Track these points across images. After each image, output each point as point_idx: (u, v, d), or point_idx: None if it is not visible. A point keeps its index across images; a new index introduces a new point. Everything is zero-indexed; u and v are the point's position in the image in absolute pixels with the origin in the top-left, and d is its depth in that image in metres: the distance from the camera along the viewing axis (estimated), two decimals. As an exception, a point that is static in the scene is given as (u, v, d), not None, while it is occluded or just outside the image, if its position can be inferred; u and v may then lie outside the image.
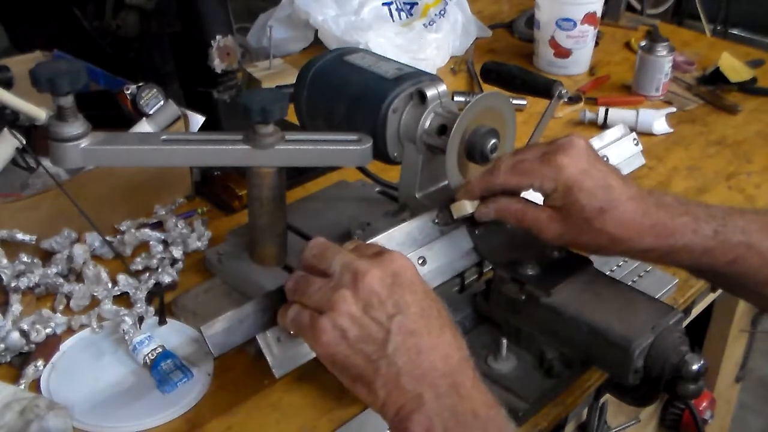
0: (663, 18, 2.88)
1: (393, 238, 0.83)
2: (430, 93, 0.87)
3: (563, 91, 1.02)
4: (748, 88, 1.54)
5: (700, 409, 1.38)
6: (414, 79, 0.89)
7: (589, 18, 1.57)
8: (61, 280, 0.96)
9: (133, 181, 1.07)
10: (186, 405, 0.82)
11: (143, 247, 1.03)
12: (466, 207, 0.83)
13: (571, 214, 0.76)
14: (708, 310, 1.43)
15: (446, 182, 0.90)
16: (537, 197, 0.80)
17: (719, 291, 1.14)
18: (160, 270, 0.98)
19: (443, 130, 0.87)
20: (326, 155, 0.86)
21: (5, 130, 1.03)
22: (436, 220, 0.86)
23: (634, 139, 1.20)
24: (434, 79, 0.90)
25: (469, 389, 0.62)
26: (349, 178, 1.13)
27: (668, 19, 2.97)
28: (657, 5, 3.02)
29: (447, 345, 0.64)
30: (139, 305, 0.92)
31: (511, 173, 0.78)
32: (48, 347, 0.88)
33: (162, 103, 1.11)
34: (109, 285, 0.96)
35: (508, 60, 1.56)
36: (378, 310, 0.63)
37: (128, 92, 1.12)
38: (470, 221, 0.86)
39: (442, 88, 0.89)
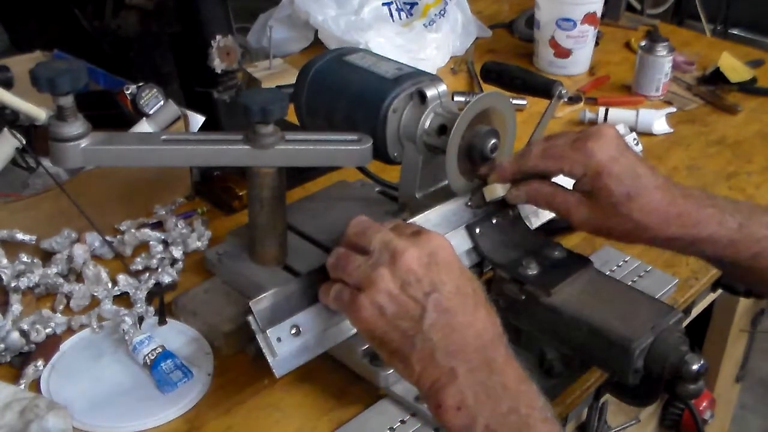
0: (663, 18, 2.88)
1: (429, 219, 0.84)
2: (430, 93, 0.87)
3: (563, 91, 1.02)
4: (748, 88, 1.54)
5: (700, 409, 1.38)
6: (414, 79, 0.89)
7: (589, 18, 1.57)
8: (61, 280, 0.95)
9: (133, 181, 1.07)
10: (186, 405, 0.82)
11: (143, 247, 1.03)
12: (498, 190, 0.85)
13: (599, 199, 0.79)
14: (708, 310, 1.43)
15: (446, 182, 0.90)
16: (567, 184, 0.82)
17: (719, 291, 1.14)
18: (160, 270, 0.98)
19: (443, 130, 0.87)
20: (326, 155, 0.86)
21: (5, 130, 1.03)
22: (469, 203, 0.88)
23: (634, 139, 1.20)
24: (434, 79, 0.90)
25: (501, 364, 0.64)
26: (349, 178, 1.12)
27: (668, 19, 2.96)
28: (657, 5, 3.02)
29: (481, 322, 0.66)
30: (139, 305, 0.92)
31: (542, 157, 0.81)
32: (48, 347, 0.88)
33: (162, 103, 1.11)
34: (109, 285, 0.96)
35: (508, 60, 1.56)
36: (414, 287, 0.65)
37: (128, 92, 1.12)
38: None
39: (442, 88, 0.89)
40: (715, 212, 0.78)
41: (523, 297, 0.81)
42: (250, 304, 0.74)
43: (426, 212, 0.85)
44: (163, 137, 0.85)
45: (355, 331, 0.80)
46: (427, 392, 0.65)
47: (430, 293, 0.65)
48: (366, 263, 0.68)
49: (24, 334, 0.88)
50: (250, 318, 0.74)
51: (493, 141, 0.86)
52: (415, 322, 0.65)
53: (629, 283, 0.94)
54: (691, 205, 0.78)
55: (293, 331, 0.75)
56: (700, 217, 0.78)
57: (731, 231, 0.78)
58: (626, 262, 1.01)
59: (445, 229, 0.84)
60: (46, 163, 0.93)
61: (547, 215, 0.95)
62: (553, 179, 0.83)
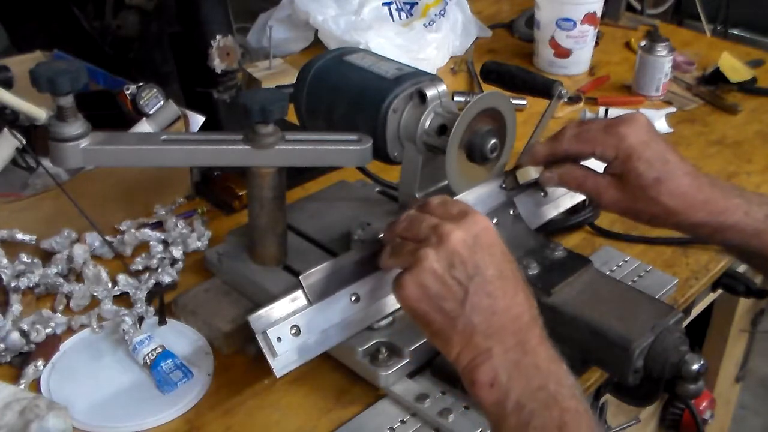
0: (663, 18, 2.88)
1: (466, 201, 0.85)
2: (430, 93, 0.87)
3: (563, 91, 1.02)
4: (748, 88, 1.53)
5: (700, 409, 1.38)
6: (414, 79, 0.89)
7: (589, 18, 1.57)
8: (61, 280, 0.95)
9: (133, 181, 1.07)
10: (186, 405, 0.82)
11: (143, 247, 1.03)
12: (531, 173, 0.88)
13: (628, 182, 0.81)
14: (708, 310, 1.43)
15: (446, 182, 0.90)
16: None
17: (719, 291, 1.14)
18: (160, 270, 0.98)
19: (443, 130, 0.87)
20: (326, 155, 0.86)
21: (5, 130, 1.03)
22: (503, 185, 0.90)
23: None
24: (434, 79, 0.90)
25: (535, 346, 0.67)
26: (349, 178, 1.12)
27: (668, 19, 2.96)
28: (657, 5, 3.02)
29: (519, 306, 0.68)
30: (139, 305, 0.92)
31: (575, 140, 0.84)
32: (48, 347, 0.88)
33: (162, 103, 1.11)
34: (109, 285, 0.96)
35: (508, 60, 1.56)
36: (459, 270, 0.67)
37: (128, 92, 1.12)
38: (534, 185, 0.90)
39: (442, 88, 0.89)
40: (741, 202, 0.81)
41: (523, 297, 0.81)
42: (300, 278, 0.76)
43: (462, 194, 0.87)
44: (163, 137, 0.85)
45: (355, 331, 0.80)
46: (463, 370, 0.68)
47: (474, 276, 0.67)
48: (415, 245, 0.71)
49: (24, 334, 0.88)
50: (254, 323, 0.74)
51: (493, 141, 0.86)
52: (458, 304, 0.67)
53: (629, 283, 0.94)
54: (718, 193, 0.81)
55: (293, 331, 0.76)
56: (727, 205, 0.80)
57: (757, 221, 0.80)
58: (626, 262, 1.00)
59: (479, 210, 0.86)
60: (46, 163, 0.93)
61: (547, 215, 0.95)
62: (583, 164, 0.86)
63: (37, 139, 1.06)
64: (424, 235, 0.70)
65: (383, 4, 1.61)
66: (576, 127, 0.85)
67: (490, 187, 0.90)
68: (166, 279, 0.97)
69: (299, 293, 0.77)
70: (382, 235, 0.78)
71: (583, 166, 0.86)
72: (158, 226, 1.08)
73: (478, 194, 0.88)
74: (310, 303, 0.76)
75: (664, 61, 1.48)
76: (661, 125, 1.40)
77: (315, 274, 0.77)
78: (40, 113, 1.03)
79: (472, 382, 0.67)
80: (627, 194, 0.82)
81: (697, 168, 0.83)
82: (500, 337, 0.67)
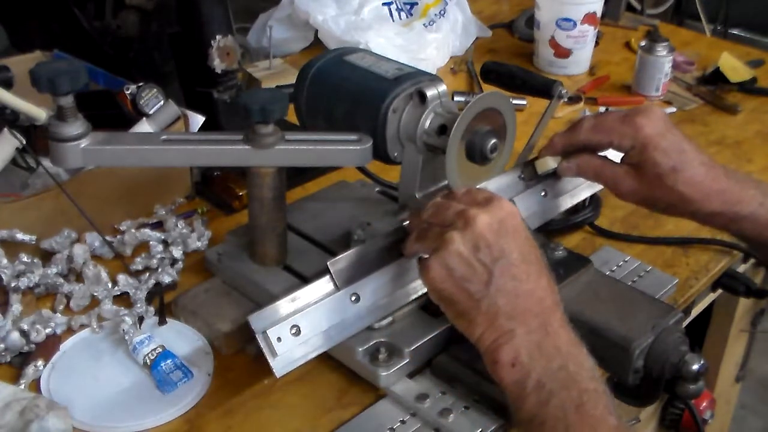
0: (663, 18, 2.88)
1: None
2: (430, 93, 0.87)
3: (563, 91, 1.02)
4: (748, 88, 1.53)
5: (700, 409, 1.38)
6: (414, 79, 0.89)
7: (589, 18, 1.57)
8: (61, 280, 0.95)
9: (133, 181, 1.07)
10: (186, 405, 0.82)
11: (143, 247, 1.03)
12: (549, 163, 0.90)
13: (645, 171, 0.83)
14: (708, 310, 1.43)
15: (446, 182, 0.90)
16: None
17: (719, 291, 1.14)
18: (160, 270, 0.98)
19: (443, 130, 0.87)
20: (326, 155, 0.86)
21: (5, 130, 1.03)
22: (522, 176, 0.91)
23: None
24: (434, 79, 0.90)
25: (556, 328, 0.69)
26: (349, 178, 1.12)
27: (668, 19, 2.96)
28: (657, 5, 3.02)
29: (542, 290, 0.70)
30: (139, 305, 0.92)
31: (592, 131, 0.86)
32: (48, 347, 0.88)
33: (162, 103, 1.11)
34: (109, 285, 0.96)
35: (508, 60, 1.55)
36: (484, 252, 0.69)
37: (128, 92, 1.12)
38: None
39: (442, 88, 0.89)
40: (757, 193, 0.83)
41: (523, 297, 0.81)
42: (327, 264, 0.77)
43: (482, 183, 0.88)
44: (163, 137, 0.85)
45: (355, 331, 0.80)
46: (486, 350, 0.69)
47: (498, 259, 0.69)
48: (441, 230, 0.72)
49: (24, 334, 0.88)
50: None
51: (493, 141, 0.86)
52: (483, 285, 0.69)
53: (629, 283, 0.94)
54: (734, 184, 0.83)
55: (293, 331, 0.76)
56: (742, 195, 0.82)
57: None
58: (626, 262, 1.00)
59: None
60: (46, 163, 0.93)
61: (547, 215, 0.95)
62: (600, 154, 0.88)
63: (37, 139, 1.06)
64: (450, 220, 0.71)
65: (383, 4, 1.60)
66: (593, 118, 0.86)
67: (508, 178, 0.91)
68: (166, 279, 0.97)
69: (300, 293, 0.77)
70: (407, 222, 0.79)
71: (601, 156, 0.88)
72: (158, 226, 1.08)
73: (497, 185, 0.89)
74: (337, 288, 0.78)
75: (664, 61, 1.48)
76: (661, 125, 1.40)
77: (342, 260, 0.78)
78: (40, 113, 1.03)
79: (494, 362, 0.68)
80: (644, 183, 0.84)
81: (713, 159, 0.84)
82: (523, 318, 0.68)
